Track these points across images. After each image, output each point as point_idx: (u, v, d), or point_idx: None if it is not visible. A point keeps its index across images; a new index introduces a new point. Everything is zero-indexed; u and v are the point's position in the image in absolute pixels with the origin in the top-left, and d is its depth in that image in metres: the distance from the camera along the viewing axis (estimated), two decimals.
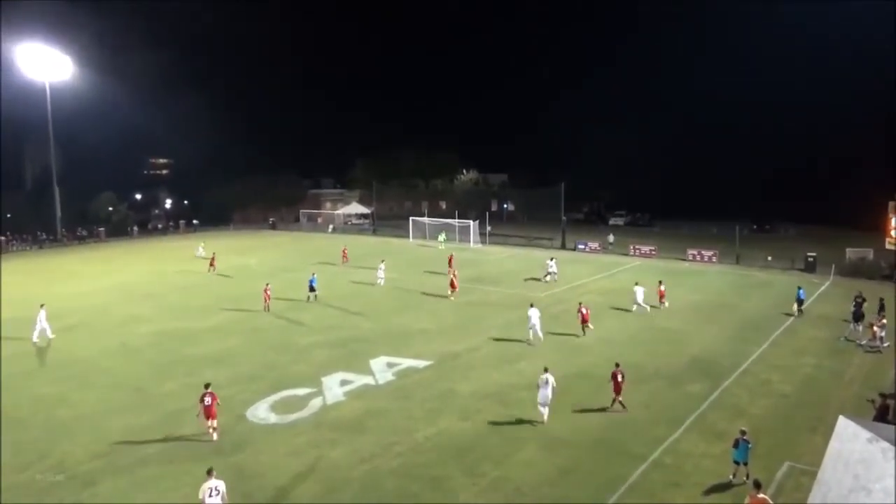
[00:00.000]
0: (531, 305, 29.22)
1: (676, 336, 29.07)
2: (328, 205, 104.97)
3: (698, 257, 51.81)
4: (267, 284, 35.75)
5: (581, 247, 58.93)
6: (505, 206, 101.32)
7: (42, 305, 29.97)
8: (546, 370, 20.13)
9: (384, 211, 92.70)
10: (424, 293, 38.83)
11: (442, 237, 63.17)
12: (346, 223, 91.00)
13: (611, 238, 60.25)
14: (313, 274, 39.38)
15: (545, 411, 19.58)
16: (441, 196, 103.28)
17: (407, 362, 25.40)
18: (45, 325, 29.21)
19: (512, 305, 35.33)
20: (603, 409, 20.51)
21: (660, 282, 36.13)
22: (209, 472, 14.38)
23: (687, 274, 46.19)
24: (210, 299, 37.87)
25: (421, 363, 25.30)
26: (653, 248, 54.96)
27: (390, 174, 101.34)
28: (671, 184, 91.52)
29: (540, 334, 27.95)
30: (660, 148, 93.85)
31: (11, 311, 34.42)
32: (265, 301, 34.82)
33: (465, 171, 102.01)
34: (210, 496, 13.98)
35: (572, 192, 68.93)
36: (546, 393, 19.56)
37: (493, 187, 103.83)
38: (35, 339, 28.96)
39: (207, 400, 18.67)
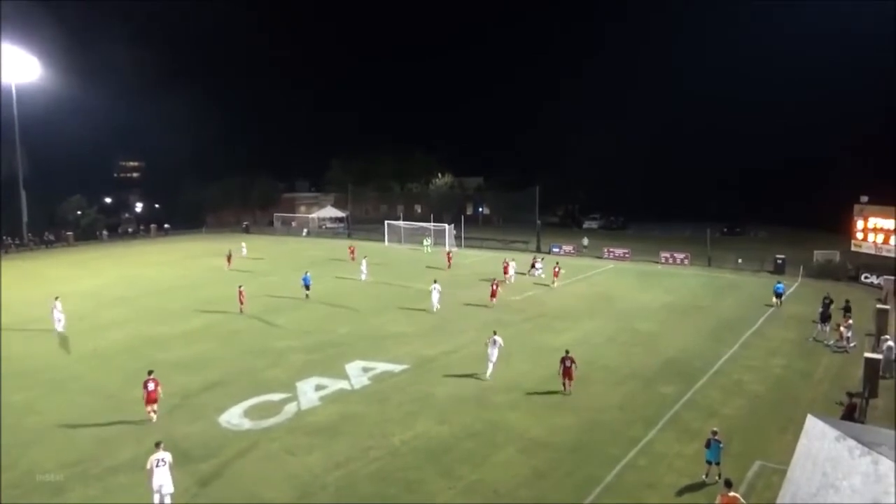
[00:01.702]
0: (434, 282, 35.80)
1: (651, 338, 29.43)
2: (303, 208, 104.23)
3: (671, 260, 52.41)
4: (240, 287, 35.73)
5: (556, 249, 59.19)
6: (480, 209, 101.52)
7: (57, 298, 32.17)
8: (495, 333, 24.29)
9: (359, 214, 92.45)
10: (401, 296, 38.82)
11: (427, 242, 63.05)
12: (320, 227, 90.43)
13: (585, 241, 60.66)
14: (307, 272, 40.19)
15: (490, 367, 23.68)
16: (417, 199, 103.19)
17: (383, 366, 25.34)
18: (62, 316, 31.40)
19: (486, 308, 35.46)
20: (581, 414, 20.69)
21: (556, 262, 45.99)
22: (157, 445, 15.63)
23: (660, 276, 46.73)
24: (185, 303, 37.51)
25: (397, 367, 25.26)
26: (626, 250, 55.47)
27: (366, 177, 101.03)
28: (645, 186, 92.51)
29: (436, 305, 34.41)
30: (635, 151, 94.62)
31: None
32: (241, 304, 34.99)
33: (440, 174, 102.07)
34: (157, 466, 15.16)
35: (547, 195, 69.33)
36: (493, 351, 23.65)
37: (469, 191, 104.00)
38: (60, 329, 30.99)
39: (150, 385, 20.09)
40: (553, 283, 42.34)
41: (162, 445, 15.70)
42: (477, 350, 27.39)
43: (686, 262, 51.72)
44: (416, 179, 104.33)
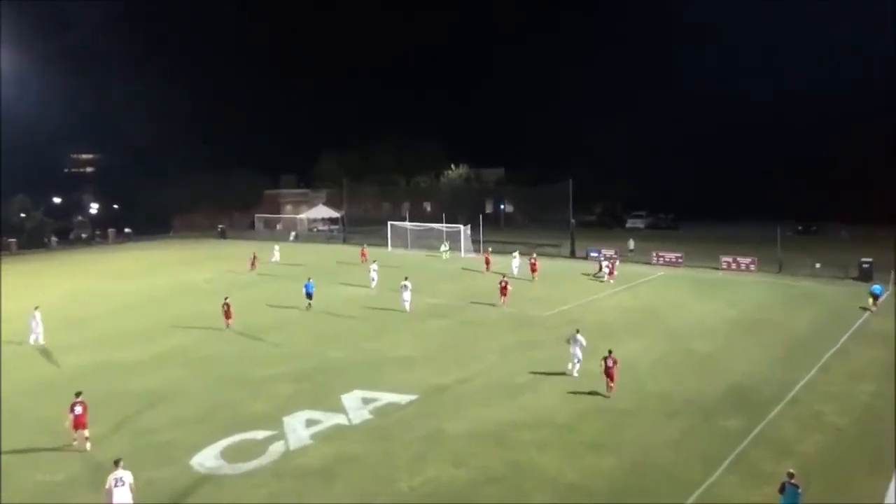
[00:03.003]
0: (405, 278, 39.80)
1: (710, 360, 29.23)
2: (289, 207, 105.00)
3: (733, 265, 52.21)
4: (226, 299, 36.36)
5: (594, 254, 59.15)
6: (502, 206, 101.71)
7: (36, 308, 34.50)
8: (577, 331, 27.41)
9: (357, 214, 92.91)
10: (407, 311, 39.00)
11: (445, 248, 63.47)
12: (311, 229, 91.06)
13: (631, 244, 60.60)
14: (309, 279, 41.38)
15: (577, 365, 26.92)
16: (425, 196, 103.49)
17: (386, 397, 25.34)
18: (40, 328, 34.03)
19: (512, 326, 35.52)
20: (625, 453, 20.56)
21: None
22: (116, 463, 16.77)
23: (720, 285, 46.54)
24: (151, 322, 37.94)
25: (403, 398, 25.25)
26: (679, 255, 55.32)
27: (364, 170, 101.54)
28: (700, 178, 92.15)
29: (408, 307, 38.53)
30: (685, 135, 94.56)
31: None
32: (226, 319, 35.71)
33: (453, 165, 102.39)
34: (116, 486, 16.30)
35: (583, 190, 69.20)
36: (575, 351, 26.84)
37: (488, 185, 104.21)
38: (41, 341, 33.71)
39: (78, 409, 20.89)
40: (605, 276, 48.31)
41: (121, 464, 16.75)
42: (499, 376, 27.34)
43: (752, 267, 51.45)
44: (424, 172, 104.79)
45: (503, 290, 40.77)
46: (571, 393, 25.34)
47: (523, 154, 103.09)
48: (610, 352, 25.13)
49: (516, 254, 54.26)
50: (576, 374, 26.93)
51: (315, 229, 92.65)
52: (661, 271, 52.57)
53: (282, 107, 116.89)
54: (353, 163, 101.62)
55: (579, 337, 27.24)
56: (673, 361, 29.12)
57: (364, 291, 45.83)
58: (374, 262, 49.75)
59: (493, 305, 40.74)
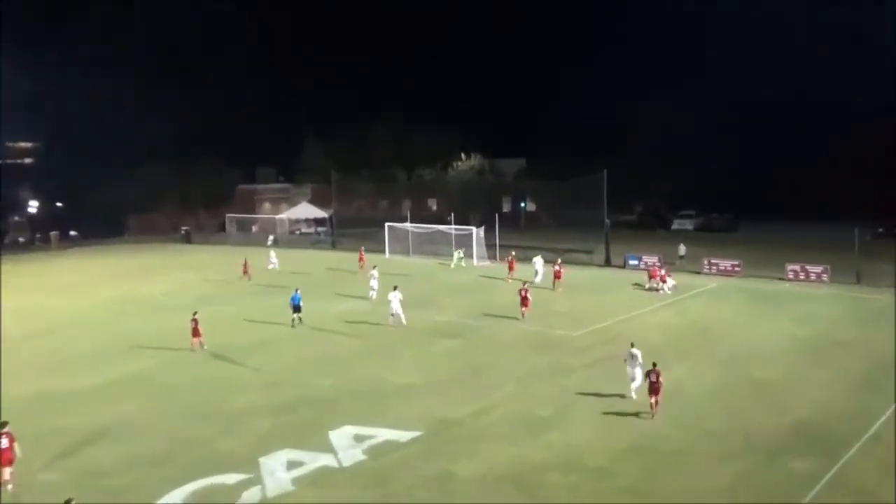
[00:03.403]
0: (394, 288, 40.59)
1: (773, 389, 29.10)
2: (267, 206, 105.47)
3: (801, 275, 52.11)
4: (195, 315, 36.41)
5: (633, 262, 59.13)
6: (522, 204, 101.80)
7: None
8: (633, 345, 27.95)
9: (348, 214, 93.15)
10: (416, 328, 39.13)
11: (459, 255, 63.53)
12: (293, 232, 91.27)
13: (682, 249, 60.61)
14: (296, 290, 41.61)
15: (636, 384, 27.45)
16: (430, 192, 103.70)
17: (383, 433, 25.31)
18: None
19: (536, 347, 35.54)
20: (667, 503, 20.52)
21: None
22: (68, 503, 17.08)
23: (786, 298, 46.48)
24: (104, 343, 38.03)
25: (404, 434, 25.22)
26: (735, 262, 55.26)
27: (357, 161, 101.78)
28: (759, 171, 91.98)
29: (403, 319, 39.37)
30: (741, 121, 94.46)
31: None
32: (194, 338, 35.78)
33: (464, 155, 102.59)
34: None
35: (619, 185, 69.14)
36: (636, 371, 27.40)
37: (506, 178, 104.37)
38: None
39: (3, 442, 21.08)
40: (662, 286, 49.20)
41: (74, 502, 17.06)
42: (520, 408, 27.29)
43: (824, 277, 51.35)
44: (429, 163, 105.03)
45: (524, 300, 41.42)
46: (607, 427, 25.26)
47: (548, 141, 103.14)
48: (654, 365, 25.99)
49: (538, 258, 54.81)
50: (634, 397, 27.69)
51: (298, 232, 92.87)
52: (713, 282, 52.49)
53: (258, 85, 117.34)
54: (343, 153, 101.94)
55: (636, 352, 27.96)
56: (728, 391, 29.02)
57: (359, 305, 46.06)
58: (375, 267, 50.14)
59: (515, 319, 41.04)
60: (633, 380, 27.86)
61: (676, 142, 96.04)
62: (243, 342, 37.74)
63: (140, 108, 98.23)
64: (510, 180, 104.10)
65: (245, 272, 57.80)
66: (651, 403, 26.08)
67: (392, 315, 40.02)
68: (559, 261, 53.23)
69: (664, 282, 49.77)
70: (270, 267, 62.01)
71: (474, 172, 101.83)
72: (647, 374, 26.34)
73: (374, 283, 47.45)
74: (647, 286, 50.69)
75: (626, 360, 28.33)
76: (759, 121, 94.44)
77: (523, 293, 41.89)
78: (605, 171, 62.72)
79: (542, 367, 32.18)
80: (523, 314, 41.26)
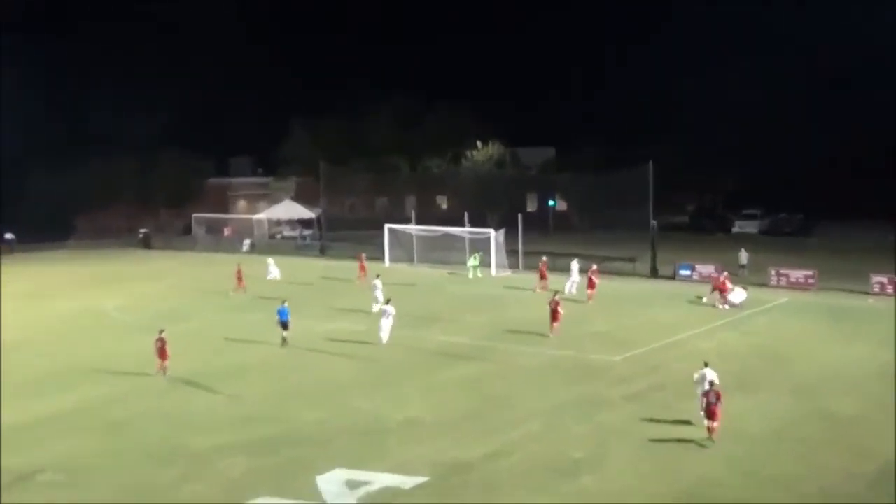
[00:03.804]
0: (387, 302, 41.73)
1: (855, 426, 28.83)
2: (242, 204, 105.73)
3: (890, 288, 51.80)
4: (161, 333, 36.23)
5: (685, 272, 59.01)
6: (551, 202, 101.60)
7: None
8: (706, 364, 28.67)
9: (340, 213, 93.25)
10: (423, 351, 39.15)
11: (474, 261, 63.28)
12: (273, 236, 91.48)
13: (743, 257, 60.38)
14: (283, 303, 41.57)
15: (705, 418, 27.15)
16: (440, 187, 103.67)
17: (382, 479, 25.23)
18: None
19: (566, 375, 35.39)
20: None
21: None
22: None
23: (871, 317, 46.12)
24: (44, 368, 37.79)
25: (407, 480, 25.15)
26: (809, 273, 54.98)
27: (351, 150, 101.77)
28: (840, 163, 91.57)
29: (385, 337, 40.36)
30: (815, 104, 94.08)
31: None
32: (160, 361, 35.60)
33: (480, 143, 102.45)
34: None
35: (669, 178, 69.02)
36: (705, 396, 27.21)
37: (531, 171, 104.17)
38: None
39: None
40: (721, 303, 49.42)
41: None
42: (547, 450, 27.10)
43: None
44: (438, 152, 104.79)
45: (555, 314, 41.98)
46: (652, 472, 25.05)
47: (583, 126, 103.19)
48: (712, 384, 26.94)
49: (574, 263, 55.59)
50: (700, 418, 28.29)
51: (279, 235, 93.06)
52: (783, 297, 52.31)
53: (232, 60, 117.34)
54: (334, 140, 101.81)
55: (709, 373, 28.42)
56: (799, 428, 28.73)
57: (355, 323, 45.87)
58: (378, 277, 50.37)
59: (541, 339, 41.14)
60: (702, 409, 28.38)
61: (739, 126, 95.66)
62: (216, 367, 37.62)
63: (86, 89, 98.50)
64: (536, 173, 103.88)
65: (240, 283, 57.63)
66: (708, 428, 26.61)
67: (384, 331, 40.57)
68: (593, 267, 53.30)
69: (724, 292, 49.55)
70: (270, 277, 62.11)
71: (493, 163, 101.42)
72: (705, 395, 27.00)
73: (378, 295, 47.50)
74: (718, 303, 49.99)
75: (696, 382, 28.85)
76: (842, 100, 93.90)
77: (554, 305, 42.09)
78: (651, 162, 62.57)
79: (573, 399, 31.95)
80: (553, 330, 41.47)
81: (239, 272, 57.90)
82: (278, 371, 37.22)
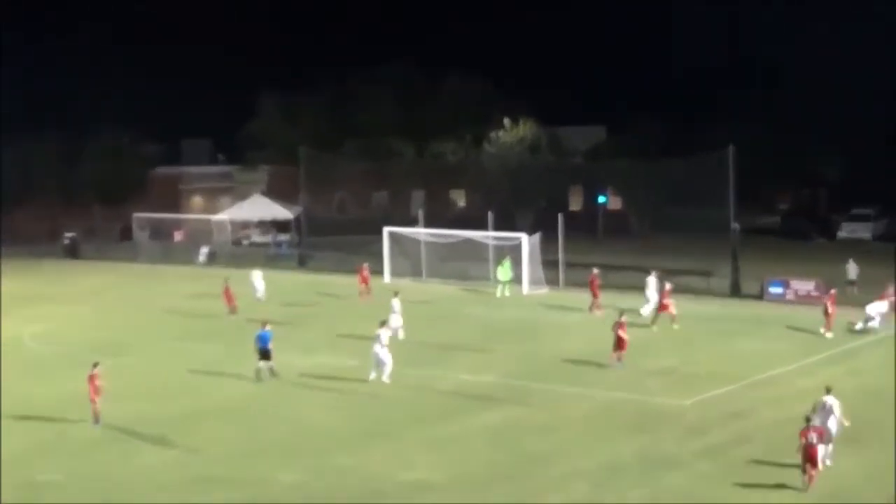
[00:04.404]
0: (382, 324, 41.76)
1: None
2: (198, 200, 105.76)
3: None
4: (95, 367, 36.11)
5: (776, 290, 58.96)
6: (602, 198, 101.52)
7: None
8: (829, 391, 30.08)
9: (325, 212, 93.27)
10: (420, 392, 39.34)
11: (503, 275, 63.31)
12: (239, 242, 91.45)
13: (852, 270, 60.21)
14: (265, 326, 41.86)
15: (828, 450, 28.84)
16: (455, 179, 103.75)
17: None
18: None
19: (621, 424, 35.39)
20: None
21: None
22: None
23: None
24: None
25: None
26: None
27: (340, 131, 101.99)
28: None
29: (386, 371, 40.61)
30: None
31: None
32: (94, 404, 35.46)
33: (509, 121, 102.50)
34: None
35: (755, 167, 69.00)
36: (831, 425, 29.25)
37: (574, 158, 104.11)
38: None
39: None
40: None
41: None
42: None
43: None
44: (453, 134, 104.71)
45: (620, 341, 42.78)
46: None
47: (642, 100, 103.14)
48: (808, 420, 27.55)
49: (653, 279, 55.86)
50: (829, 463, 29.08)
51: (247, 241, 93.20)
52: None
53: (183, 11, 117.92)
54: (317, 118, 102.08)
55: (830, 401, 29.89)
56: None
57: (349, 356, 45.57)
58: (397, 295, 50.99)
59: (596, 370, 41.37)
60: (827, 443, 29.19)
61: (847, 100, 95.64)
62: (166, 413, 37.27)
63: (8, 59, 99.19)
64: (581, 161, 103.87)
65: (230, 304, 57.97)
66: (807, 477, 27.12)
67: (377, 365, 41.06)
68: (668, 287, 53.53)
69: (829, 317, 49.36)
70: (258, 296, 62.19)
71: (525, 148, 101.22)
72: (803, 434, 27.31)
73: (397, 319, 48.00)
74: (823, 330, 49.87)
75: (814, 413, 29.44)
76: None
77: (619, 330, 42.73)
78: (732, 146, 62.53)
79: (630, 455, 31.78)
80: (618, 359, 42.32)
81: (227, 291, 58.01)
82: (246, 418, 37.13)
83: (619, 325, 42.88)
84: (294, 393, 40.77)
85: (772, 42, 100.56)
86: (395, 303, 49.20)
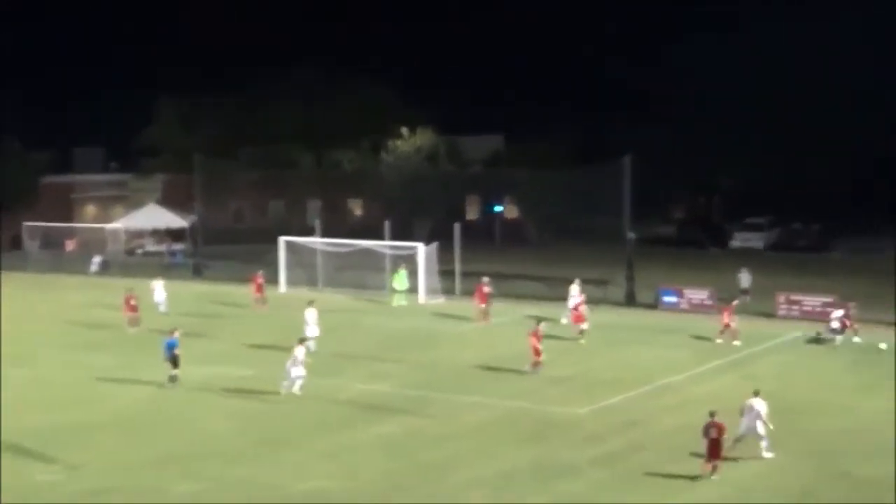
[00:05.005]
0: (300, 342, 41.27)
1: (883, 493, 29.35)
2: (91, 209, 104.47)
3: None
4: None
5: (670, 299, 59.67)
6: (497, 207, 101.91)
7: None
8: (756, 394, 31.54)
9: (221, 221, 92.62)
10: (317, 403, 39.20)
11: (400, 281, 63.43)
12: (132, 251, 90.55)
13: (744, 279, 61.02)
14: (173, 333, 42.23)
15: (763, 444, 31.13)
16: (355, 187, 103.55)
17: None
18: None
19: (519, 434, 35.53)
20: None
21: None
22: None
23: None
24: None
25: None
26: (829, 300, 55.37)
27: (236, 138, 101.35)
28: (867, 161, 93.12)
29: (298, 386, 40.08)
30: (839, 91, 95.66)
31: None
32: None
33: (406, 130, 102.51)
34: None
35: (651, 177, 69.70)
36: (753, 425, 31.04)
37: (473, 166, 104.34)
38: None
39: None
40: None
41: None
42: None
43: None
44: (351, 142, 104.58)
45: (535, 349, 43.49)
46: None
47: (540, 109, 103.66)
48: (712, 415, 29.18)
49: (576, 287, 56.35)
50: (770, 455, 31.28)
51: (141, 251, 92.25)
52: (795, 330, 52.90)
53: (77, 16, 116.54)
54: (214, 124, 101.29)
55: (756, 403, 31.42)
56: (818, 496, 29.25)
57: (245, 367, 45.73)
58: (311, 303, 50.96)
59: (486, 388, 40.93)
60: (762, 440, 31.35)
61: (742, 111, 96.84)
62: (54, 426, 36.76)
63: None
64: (479, 169, 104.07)
65: (133, 313, 56.51)
66: (710, 467, 28.96)
67: (290, 378, 40.44)
68: (582, 297, 54.48)
69: (727, 327, 49.88)
70: (161, 310, 60.78)
71: (423, 157, 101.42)
72: (706, 429, 29.02)
73: (313, 330, 47.85)
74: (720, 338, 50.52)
75: (742, 414, 31.46)
76: (864, 90, 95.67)
77: (532, 338, 43.49)
78: (629, 155, 63.07)
79: (527, 464, 31.90)
80: (533, 366, 43.28)
81: (129, 299, 56.58)
82: (143, 429, 36.72)
83: (533, 333, 43.19)
84: (192, 403, 40.60)
85: (668, 52, 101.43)
86: (311, 313, 49.02)
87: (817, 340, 50.12)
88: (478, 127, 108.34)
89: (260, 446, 34.72)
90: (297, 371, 40.18)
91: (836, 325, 49.15)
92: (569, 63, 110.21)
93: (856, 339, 49.06)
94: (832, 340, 48.98)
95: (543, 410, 38.27)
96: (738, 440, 31.21)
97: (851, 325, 49.27)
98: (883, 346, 48.13)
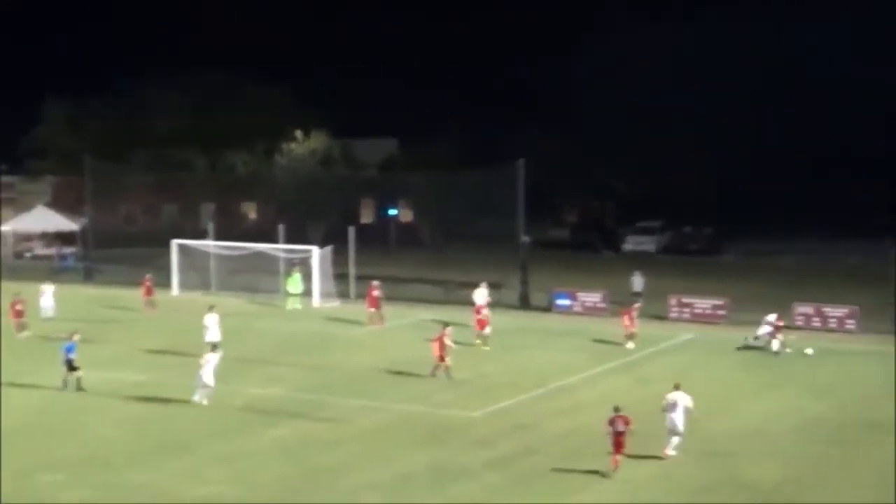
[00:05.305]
0: (213, 348, 41.21)
1: (780, 496, 29.62)
2: None
3: (817, 320, 53.85)
4: None
5: (563, 302, 60.13)
6: (392, 211, 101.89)
7: None
8: (677, 387, 32.05)
9: (112, 225, 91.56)
10: (210, 408, 38.94)
11: (292, 288, 63.36)
12: (20, 255, 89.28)
13: (637, 281, 61.58)
14: (73, 336, 41.68)
15: (674, 441, 31.58)
16: (247, 191, 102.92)
17: None
18: None
19: (414, 437, 35.54)
20: None
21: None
22: None
23: (795, 359, 47.51)
24: None
25: None
26: (719, 302, 56.57)
27: (128, 140, 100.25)
28: (759, 166, 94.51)
29: (205, 388, 39.34)
30: (730, 97, 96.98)
31: None
32: None
33: (300, 133, 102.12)
34: None
35: (545, 180, 70.00)
36: (674, 421, 31.53)
37: (367, 170, 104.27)
38: None
39: None
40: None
41: None
42: None
43: (850, 325, 53.11)
44: (245, 145, 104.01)
45: (440, 352, 43.27)
46: None
47: (434, 112, 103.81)
48: (617, 410, 30.13)
49: (483, 287, 56.89)
50: (673, 452, 31.65)
51: (28, 254, 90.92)
52: (686, 332, 53.75)
53: None
54: (105, 126, 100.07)
55: (679, 398, 31.94)
56: (710, 497, 29.52)
57: (136, 371, 45.19)
58: (212, 309, 50.52)
59: (380, 392, 41.01)
60: (672, 436, 31.75)
61: (633, 114, 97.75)
62: None
63: None
64: (375, 173, 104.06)
65: (19, 319, 55.65)
66: (613, 461, 29.56)
67: (202, 387, 39.83)
68: (486, 300, 54.60)
69: (629, 329, 50.22)
70: (46, 314, 59.85)
71: (317, 160, 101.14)
72: (611, 423, 29.87)
73: (214, 335, 47.42)
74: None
75: (664, 410, 32.04)
76: (757, 97, 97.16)
77: (439, 342, 43.36)
78: (523, 159, 63.30)
79: (421, 467, 31.96)
80: (443, 370, 43.26)
81: (15, 304, 55.78)
82: (33, 435, 36.15)
83: (438, 337, 43.26)
84: (83, 409, 39.97)
85: (562, 57, 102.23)
86: (211, 318, 48.61)
87: (748, 347, 50.06)
88: (372, 130, 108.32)
89: (154, 452, 34.25)
90: (210, 379, 39.73)
91: (767, 329, 49.02)
92: (463, 66, 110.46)
93: (774, 343, 48.76)
94: (767, 346, 48.88)
95: (438, 414, 38.34)
96: (677, 434, 31.95)
97: (780, 330, 49.08)
98: (809, 350, 48.66)
